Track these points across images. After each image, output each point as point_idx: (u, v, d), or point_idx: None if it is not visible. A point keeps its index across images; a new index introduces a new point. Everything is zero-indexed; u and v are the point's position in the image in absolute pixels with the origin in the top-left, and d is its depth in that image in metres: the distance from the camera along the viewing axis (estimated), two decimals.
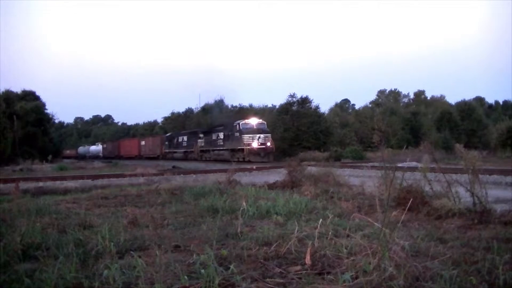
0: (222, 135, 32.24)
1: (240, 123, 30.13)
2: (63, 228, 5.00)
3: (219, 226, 4.89)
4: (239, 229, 4.64)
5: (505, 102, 71.31)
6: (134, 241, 4.27)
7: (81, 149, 72.79)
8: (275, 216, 5.64)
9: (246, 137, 28.81)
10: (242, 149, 28.63)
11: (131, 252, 3.71)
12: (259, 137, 28.88)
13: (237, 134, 29.77)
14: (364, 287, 2.75)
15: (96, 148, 67.51)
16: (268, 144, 29.01)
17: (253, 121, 30.74)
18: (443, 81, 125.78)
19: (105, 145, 65.22)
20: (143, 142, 50.65)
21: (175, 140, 41.60)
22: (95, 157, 60.22)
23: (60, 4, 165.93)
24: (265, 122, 32.06)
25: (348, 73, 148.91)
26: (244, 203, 5.85)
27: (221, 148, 32.02)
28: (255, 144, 28.48)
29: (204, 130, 36.84)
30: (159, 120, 79.73)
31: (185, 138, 39.36)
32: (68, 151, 75.03)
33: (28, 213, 5.86)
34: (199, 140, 35.94)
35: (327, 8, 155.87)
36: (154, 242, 4.13)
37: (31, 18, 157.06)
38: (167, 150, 42.78)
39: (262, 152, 28.40)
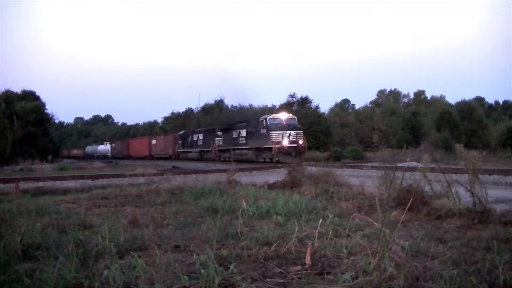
0: (245, 132, 28.12)
1: (268, 118, 26.04)
2: (63, 228, 5.00)
3: (219, 226, 4.90)
4: (239, 229, 4.64)
5: (505, 102, 71.56)
6: (134, 241, 4.27)
7: (89, 149, 69.70)
8: (275, 216, 5.63)
9: (274, 134, 24.64)
10: (270, 148, 24.72)
11: (131, 252, 3.71)
12: (290, 134, 24.67)
13: (263, 131, 25.71)
14: (364, 287, 2.75)
15: (104, 147, 64.07)
16: (300, 142, 24.88)
17: (283, 115, 26.60)
18: (443, 81, 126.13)
19: (113, 145, 61.70)
20: (154, 141, 46.48)
21: (190, 138, 37.35)
22: (103, 157, 57.53)
23: (60, 4, 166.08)
24: (296, 117, 27.57)
25: (348, 73, 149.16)
26: (244, 203, 5.86)
27: (244, 147, 28.04)
28: (285, 142, 24.29)
29: (222, 127, 32.38)
30: (159, 120, 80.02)
31: (201, 136, 35.07)
32: (75, 151, 73.33)
33: (28, 213, 5.87)
34: (217, 139, 31.77)
35: (327, 8, 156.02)
36: (154, 242, 4.13)
37: (31, 18, 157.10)
38: (180, 150, 38.76)
39: (293, 152, 24.27)
